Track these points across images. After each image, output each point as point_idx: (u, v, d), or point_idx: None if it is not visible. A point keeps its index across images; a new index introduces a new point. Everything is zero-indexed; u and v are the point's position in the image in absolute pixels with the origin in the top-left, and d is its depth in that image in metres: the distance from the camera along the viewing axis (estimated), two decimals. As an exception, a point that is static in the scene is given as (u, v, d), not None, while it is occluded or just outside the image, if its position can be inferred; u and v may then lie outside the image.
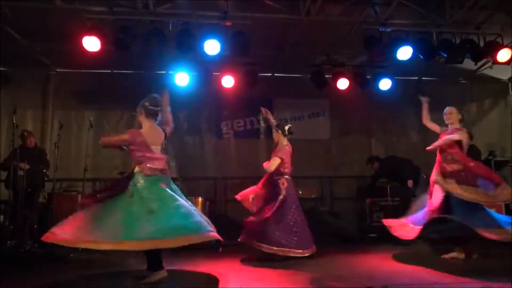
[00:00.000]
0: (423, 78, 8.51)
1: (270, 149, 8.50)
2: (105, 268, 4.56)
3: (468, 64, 6.90)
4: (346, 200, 8.36)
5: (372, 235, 7.18)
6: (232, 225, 7.69)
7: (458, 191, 4.65)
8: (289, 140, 5.41)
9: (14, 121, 5.56)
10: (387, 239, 6.31)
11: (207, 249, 5.44)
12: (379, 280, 3.71)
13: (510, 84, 8.54)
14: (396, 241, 6.02)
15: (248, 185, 5.40)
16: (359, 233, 7.26)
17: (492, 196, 4.59)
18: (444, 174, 4.84)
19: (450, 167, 4.83)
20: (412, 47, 6.27)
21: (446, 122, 5.06)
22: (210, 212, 7.18)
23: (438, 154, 5.01)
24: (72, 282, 4.06)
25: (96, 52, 5.90)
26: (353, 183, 8.57)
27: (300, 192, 8.27)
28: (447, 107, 5.11)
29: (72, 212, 3.79)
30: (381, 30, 6.29)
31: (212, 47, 5.96)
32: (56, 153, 5.85)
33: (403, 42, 6.26)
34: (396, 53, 6.31)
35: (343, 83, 7.47)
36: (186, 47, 5.94)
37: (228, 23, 6.00)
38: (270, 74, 8.18)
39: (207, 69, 7.32)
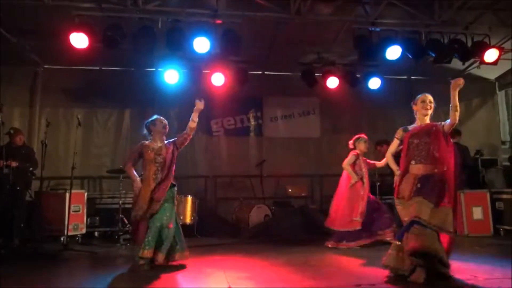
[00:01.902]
0: (412, 77, 8.58)
1: (260, 147, 8.61)
2: (94, 265, 4.52)
3: (456, 63, 6.96)
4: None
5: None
6: (222, 223, 7.69)
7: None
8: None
9: (0, 119, 5.47)
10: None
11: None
12: (367, 279, 3.73)
13: (497, 83, 8.63)
14: (385, 240, 6.08)
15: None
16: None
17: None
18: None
19: (417, 169, 3.81)
20: (401, 47, 6.31)
21: (422, 112, 4.05)
22: (200, 210, 7.16)
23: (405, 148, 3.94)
24: (61, 281, 4.03)
25: (85, 49, 5.84)
26: (343, 182, 8.58)
27: (290, 190, 8.33)
28: (424, 94, 4.12)
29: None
30: (371, 29, 6.33)
31: (202, 45, 5.94)
32: (43, 151, 5.78)
33: (392, 42, 6.31)
34: (385, 52, 6.35)
35: (333, 82, 7.51)
36: (176, 44, 5.91)
37: (218, 21, 5.99)
38: (260, 72, 8.17)
39: (197, 67, 7.27)
